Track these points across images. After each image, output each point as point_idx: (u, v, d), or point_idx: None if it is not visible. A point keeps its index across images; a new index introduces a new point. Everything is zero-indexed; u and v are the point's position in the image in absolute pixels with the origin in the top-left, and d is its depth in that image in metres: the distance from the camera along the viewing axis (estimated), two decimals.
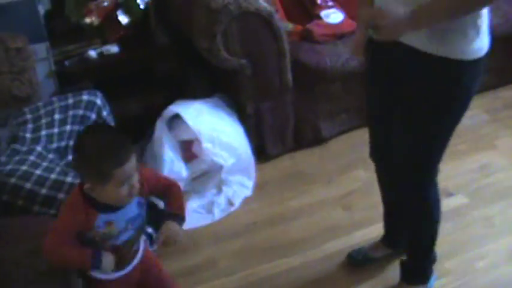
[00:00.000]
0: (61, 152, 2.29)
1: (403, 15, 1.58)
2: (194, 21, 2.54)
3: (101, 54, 2.79)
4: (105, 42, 2.83)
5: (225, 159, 2.63)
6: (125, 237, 1.65)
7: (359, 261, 2.26)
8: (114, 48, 2.83)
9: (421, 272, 2.10)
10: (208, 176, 2.74)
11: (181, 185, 2.60)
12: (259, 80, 2.66)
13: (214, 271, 2.35)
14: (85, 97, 2.38)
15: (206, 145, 2.59)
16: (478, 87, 1.70)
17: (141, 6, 2.71)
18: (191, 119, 2.59)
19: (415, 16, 1.57)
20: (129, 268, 1.77)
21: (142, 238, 1.83)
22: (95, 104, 2.39)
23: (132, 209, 1.65)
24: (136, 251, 1.76)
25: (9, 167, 2.07)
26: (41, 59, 2.67)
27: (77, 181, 1.96)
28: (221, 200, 2.66)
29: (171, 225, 1.72)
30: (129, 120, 2.82)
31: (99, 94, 2.43)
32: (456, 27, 1.58)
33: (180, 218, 1.76)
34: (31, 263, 1.75)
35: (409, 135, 1.78)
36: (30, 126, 2.26)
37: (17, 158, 2.13)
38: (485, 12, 1.61)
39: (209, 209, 2.63)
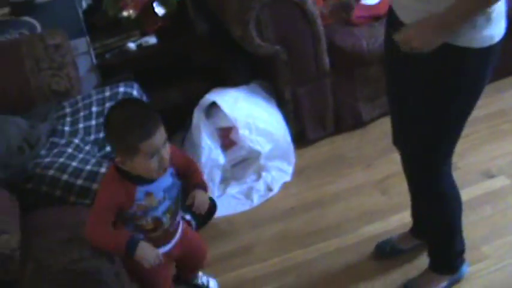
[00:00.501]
0: (99, 144, 2.37)
1: (431, 26, 1.53)
2: (227, 8, 2.56)
3: (139, 46, 2.85)
4: (143, 33, 2.88)
5: (261, 145, 2.64)
6: (163, 207, 1.71)
7: (387, 253, 2.23)
8: (152, 40, 2.88)
9: (448, 262, 2.05)
10: (247, 162, 2.76)
11: (219, 172, 2.68)
12: (295, 65, 2.65)
13: (251, 257, 2.38)
14: (121, 89, 2.46)
15: (243, 132, 2.61)
16: (490, 75, 1.63)
17: None
18: (227, 107, 2.62)
19: (445, 24, 1.52)
20: (172, 245, 1.84)
21: (180, 214, 1.89)
22: (131, 95, 2.46)
23: (167, 179, 1.71)
24: (177, 228, 1.82)
25: (48, 160, 2.16)
26: (82, 53, 2.76)
27: None
28: (260, 186, 2.68)
29: (199, 194, 1.80)
30: (169, 110, 2.84)
31: (135, 85, 2.49)
32: None
33: (205, 189, 1.84)
34: (65, 251, 1.83)
35: (418, 123, 1.74)
36: (68, 119, 2.36)
37: (55, 150, 2.22)
38: None
39: (248, 195, 2.66)
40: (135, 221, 1.70)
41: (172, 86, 2.92)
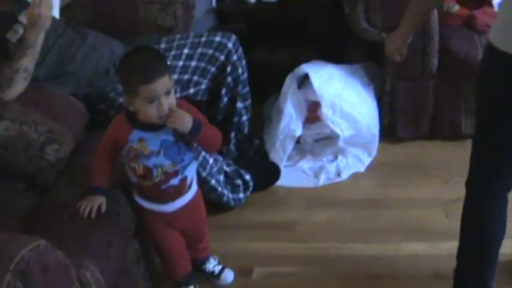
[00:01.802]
0: (182, 84, 2.46)
1: None
2: None
3: (259, 1, 2.86)
4: None
5: (342, 129, 2.59)
6: (156, 161, 1.77)
7: None
8: None
9: None
10: (329, 141, 2.72)
11: (292, 142, 2.64)
12: None
13: (291, 234, 2.39)
14: (217, 38, 2.50)
15: (325, 110, 2.57)
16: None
17: None
18: (318, 82, 2.57)
19: None
20: (168, 207, 1.89)
21: (193, 189, 1.93)
22: (226, 46, 2.49)
23: (168, 135, 1.76)
24: (171, 192, 1.86)
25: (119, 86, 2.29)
26: None
27: None
28: (331, 168, 2.64)
29: (184, 112, 1.73)
30: (272, 70, 2.90)
31: (233, 38, 2.52)
32: None
33: (198, 123, 1.75)
34: None
35: None
36: None
37: None
38: None
39: (317, 173, 2.64)
40: (129, 161, 1.80)
41: (281, 48, 2.92)
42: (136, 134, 1.76)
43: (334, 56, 2.81)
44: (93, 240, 1.76)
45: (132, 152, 1.78)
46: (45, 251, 1.36)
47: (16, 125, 1.98)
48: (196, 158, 1.94)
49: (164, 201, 1.88)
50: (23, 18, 2.17)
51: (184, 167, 1.82)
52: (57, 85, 2.26)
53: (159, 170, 1.79)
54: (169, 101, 1.70)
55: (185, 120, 1.71)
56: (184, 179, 1.85)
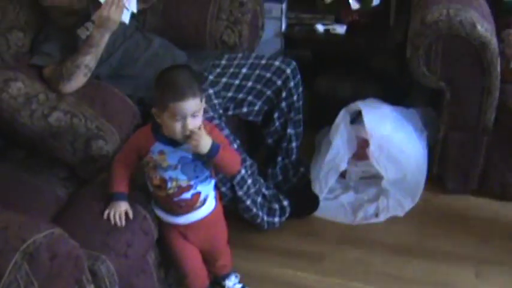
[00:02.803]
0: (235, 103, 2.52)
1: None
2: (410, 26, 2.46)
3: (327, 31, 2.89)
4: (337, 20, 2.90)
5: (386, 170, 2.56)
6: (172, 174, 1.84)
7: None
8: (341, 29, 2.88)
9: None
10: (374, 180, 2.70)
11: (335, 175, 2.63)
12: (455, 108, 2.47)
13: (316, 265, 2.39)
14: (277, 63, 2.54)
15: (373, 149, 2.55)
16: None
17: (374, 0, 2.69)
18: (370, 120, 2.56)
19: None
20: (181, 220, 1.94)
21: (209, 206, 1.97)
22: (284, 72, 2.53)
23: (187, 153, 1.83)
24: (183, 205, 1.91)
25: None
26: (273, 17, 2.91)
27: None
28: (371, 207, 2.61)
29: (204, 133, 1.79)
30: (328, 100, 2.92)
31: (292, 65, 2.55)
32: None
33: (216, 147, 1.80)
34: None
35: None
36: (218, 70, 2.52)
37: None
38: None
39: (355, 210, 2.62)
40: (148, 170, 1.88)
41: (344, 80, 2.93)
42: (158, 146, 1.84)
43: (395, 96, 2.79)
44: (115, 238, 1.84)
45: (151, 163, 1.86)
46: (57, 239, 1.43)
47: (67, 117, 2.10)
48: (212, 177, 1.97)
49: (177, 214, 1.94)
50: (95, 17, 2.30)
51: (198, 183, 1.88)
52: (116, 85, 2.37)
53: (174, 182, 1.86)
54: (195, 122, 1.76)
55: (203, 142, 1.78)
56: (197, 194, 1.90)
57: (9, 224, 1.41)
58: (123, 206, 1.88)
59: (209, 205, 1.97)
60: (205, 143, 1.78)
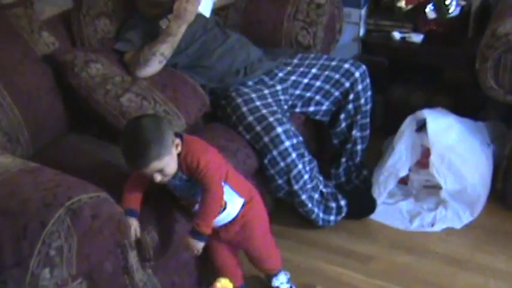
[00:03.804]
0: (303, 101, 2.60)
1: None
2: (482, 38, 2.44)
3: (403, 39, 2.90)
4: (415, 29, 2.91)
5: (446, 181, 2.55)
6: (176, 193, 1.96)
7: None
8: (418, 38, 2.88)
9: None
10: (435, 190, 2.69)
11: (394, 181, 2.66)
12: None
13: (363, 266, 2.43)
14: (346, 65, 2.60)
15: (434, 158, 2.55)
16: None
17: (451, 11, 2.68)
18: (434, 129, 2.56)
19: None
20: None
21: (232, 211, 2.01)
22: (353, 75, 2.58)
23: (180, 181, 1.90)
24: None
25: (245, 90, 2.45)
26: (352, 22, 2.98)
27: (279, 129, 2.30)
28: (428, 216, 2.61)
29: (187, 240, 1.89)
30: (400, 107, 2.94)
31: (361, 68, 2.60)
32: None
33: (196, 233, 1.87)
34: None
35: None
36: (288, 68, 2.62)
37: (258, 86, 2.52)
38: None
39: (412, 217, 2.63)
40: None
41: (417, 89, 2.93)
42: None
43: (468, 108, 2.78)
44: (163, 217, 1.98)
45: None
46: (101, 202, 1.58)
47: (138, 99, 2.26)
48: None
49: None
50: (174, 8, 2.46)
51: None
52: (191, 74, 2.52)
53: (177, 193, 1.98)
54: (164, 173, 1.82)
55: (192, 251, 1.90)
56: None
57: (61, 184, 1.57)
58: (132, 224, 1.85)
59: (231, 210, 2.00)
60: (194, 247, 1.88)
